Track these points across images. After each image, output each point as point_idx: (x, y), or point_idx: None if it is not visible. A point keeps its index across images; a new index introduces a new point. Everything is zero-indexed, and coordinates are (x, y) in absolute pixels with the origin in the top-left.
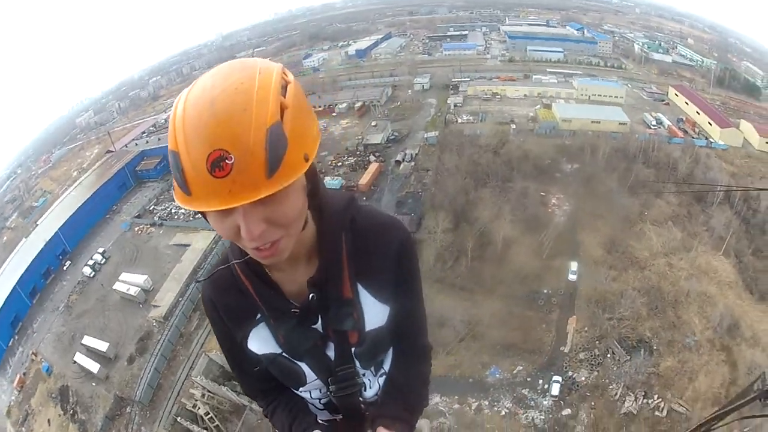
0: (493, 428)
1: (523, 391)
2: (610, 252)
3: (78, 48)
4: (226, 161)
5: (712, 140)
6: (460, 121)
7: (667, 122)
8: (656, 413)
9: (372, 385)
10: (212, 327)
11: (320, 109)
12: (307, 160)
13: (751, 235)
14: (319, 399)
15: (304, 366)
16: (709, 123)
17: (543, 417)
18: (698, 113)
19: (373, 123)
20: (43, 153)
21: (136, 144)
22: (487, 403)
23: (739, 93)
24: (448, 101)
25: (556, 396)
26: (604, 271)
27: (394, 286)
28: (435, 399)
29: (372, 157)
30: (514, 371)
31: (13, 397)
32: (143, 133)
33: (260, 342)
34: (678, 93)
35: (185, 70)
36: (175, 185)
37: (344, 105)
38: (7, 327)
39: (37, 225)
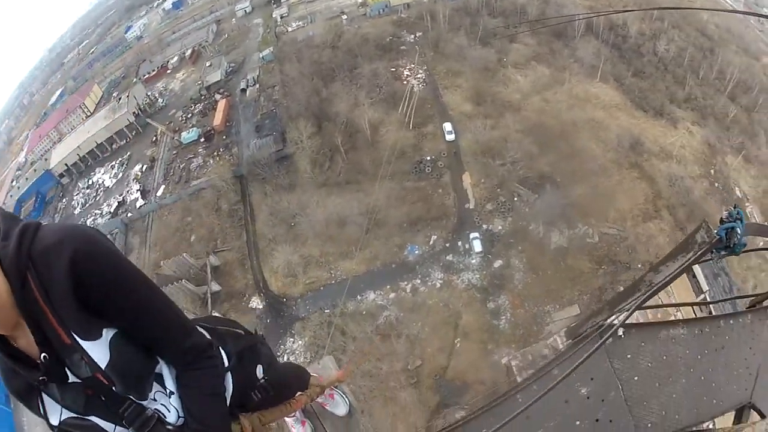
0: (437, 303)
1: (448, 257)
2: (479, 104)
3: None
4: None
5: None
6: (290, 30)
7: None
8: (587, 240)
9: (170, 408)
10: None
11: (155, 72)
12: None
13: (627, 59)
14: None
15: (96, 419)
16: None
17: (478, 276)
18: None
19: (208, 63)
20: None
21: (11, 196)
22: (419, 281)
23: None
24: (273, 15)
25: (481, 252)
26: (480, 122)
27: (97, 313)
28: (370, 296)
29: (218, 96)
30: (431, 243)
31: None
32: (12, 182)
33: (54, 412)
34: None
35: (26, 101)
36: None
37: (175, 58)
38: None
39: None
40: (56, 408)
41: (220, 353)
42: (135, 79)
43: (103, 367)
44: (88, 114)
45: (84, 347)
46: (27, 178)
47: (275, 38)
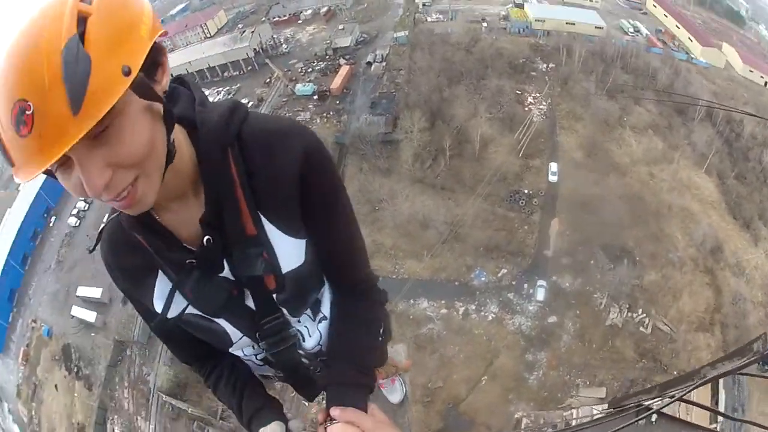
0: (481, 334)
1: (509, 295)
2: (590, 155)
3: None
4: (27, 113)
5: (692, 56)
6: (429, 20)
7: (645, 31)
8: (641, 329)
9: (312, 333)
10: (122, 292)
11: (285, 18)
12: (128, 73)
13: (734, 158)
14: (255, 355)
15: (223, 323)
16: (690, 39)
17: (529, 324)
18: (678, 27)
19: (341, 26)
20: None
21: None
22: (474, 307)
23: (721, 16)
24: (416, 0)
25: (541, 301)
26: (585, 174)
27: (306, 214)
28: (423, 304)
29: (342, 60)
30: (499, 274)
31: (21, 375)
32: None
33: (163, 299)
34: (656, 4)
35: None
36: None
37: (309, 12)
38: (5, 303)
39: (18, 191)
40: (177, 299)
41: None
42: (264, 18)
43: (284, 270)
44: (208, 36)
45: (273, 244)
46: None
47: (412, 23)
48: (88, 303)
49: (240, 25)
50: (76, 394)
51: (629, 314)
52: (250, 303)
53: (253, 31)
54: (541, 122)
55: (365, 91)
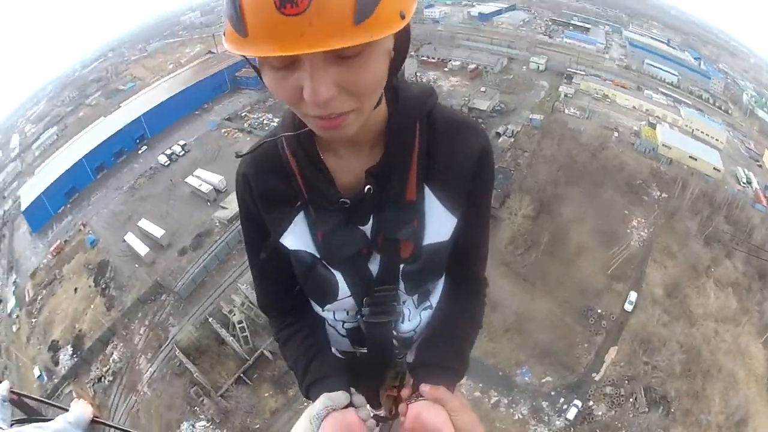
0: (502, 429)
1: (543, 403)
2: (669, 296)
3: None
4: None
5: None
6: (567, 112)
7: (756, 185)
8: None
9: (411, 318)
10: (240, 213)
11: (433, 60)
12: (403, 17)
13: None
14: (343, 323)
15: (339, 276)
16: None
17: None
18: None
19: (483, 89)
20: (140, 42)
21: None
22: (506, 401)
23: None
24: (560, 89)
25: (570, 420)
26: (659, 313)
27: (466, 197)
28: (461, 380)
29: None
30: (543, 380)
31: (44, 261)
32: None
33: (295, 237)
34: None
35: None
36: (228, 27)
37: (457, 63)
38: (61, 196)
39: (120, 107)
40: (304, 239)
41: None
42: (413, 54)
43: (425, 243)
44: None
45: (427, 216)
46: None
47: (550, 110)
48: (145, 237)
49: None
50: (92, 306)
51: None
52: (372, 267)
53: None
54: (637, 248)
55: None
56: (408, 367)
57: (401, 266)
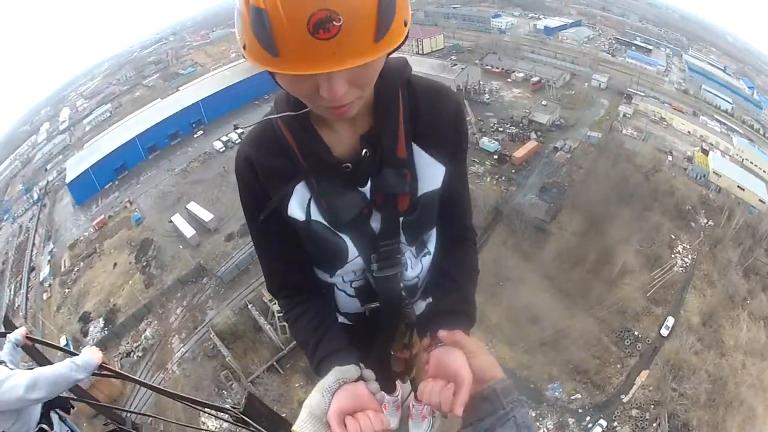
0: None
1: (569, 419)
2: (704, 324)
3: None
4: (334, 23)
5: None
6: (624, 132)
7: None
8: None
9: (414, 266)
10: (241, 194)
11: (497, 70)
12: (406, 24)
13: None
14: (351, 283)
15: (346, 238)
16: None
17: None
18: None
19: (544, 102)
20: (203, 29)
21: None
22: (533, 415)
23: None
24: (619, 108)
25: None
26: (692, 340)
27: (450, 149)
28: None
29: (533, 135)
30: (572, 397)
31: (86, 233)
32: None
33: (301, 209)
34: None
35: None
36: (252, 44)
37: (521, 75)
38: (110, 172)
39: (178, 90)
40: (312, 209)
41: None
42: (477, 62)
43: (420, 193)
44: (419, 52)
45: (418, 168)
46: None
47: (608, 128)
48: (193, 220)
49: (453, 57)
50: (130, 282)
51: None
52: (374, 225)
53: (463, 68)
54: (679, 273)
55: (542, 173)
56: (421, 319)
57: (401, 219)
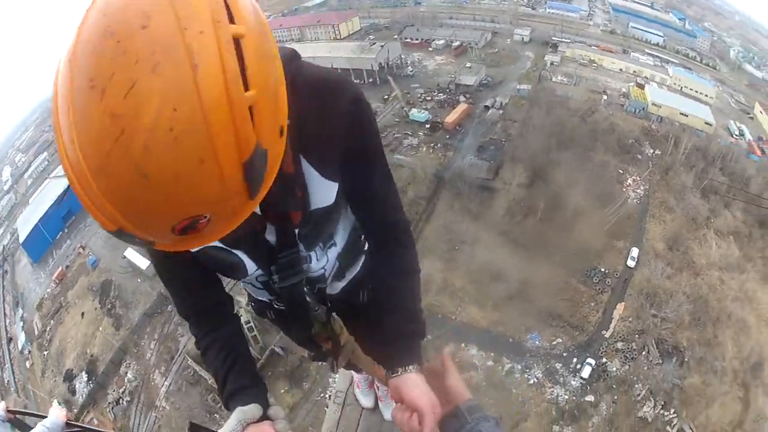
0: (518, 395)
1: (557, 365)
2: (671, 248)
3: None
4: (201, 221)
5: None
6: (554, 80)
7: (748, 136)
8: (668, 428)
9: (320, 258)
10: None
11: (417, 41)
12: (282, 132)
13: None
14: (257, 277)
15: (242, 255)
16: None
17: (566, 397)
18: None
19: (468, 64)
20: None
21: None
22: (519, 367)
23: None
24: (545, 58)
25: (585, 379)
26: (662, 266)
27: (344, 159)
28: (472, 351)
29: (462, 98)
30: (553, 342)
31: (48, 290)
32: None
33: None
34: (763, 111)
35: None
36: None
37: (441, 42)
38: (58, 221)
39: None
40: None
41: None
42: (396, 36)
43: (312, 208)
44: (338, 37)
45: (308, 183)
46: None
47: (537, 79)
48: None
49: (371, 37)
50: (101, 329)
51: (662, 411)
52: (270, 237)
53: (383, 45)
54: (634, 206)
55: (476, 133)
56: (339, 302)
57: (296, 231)
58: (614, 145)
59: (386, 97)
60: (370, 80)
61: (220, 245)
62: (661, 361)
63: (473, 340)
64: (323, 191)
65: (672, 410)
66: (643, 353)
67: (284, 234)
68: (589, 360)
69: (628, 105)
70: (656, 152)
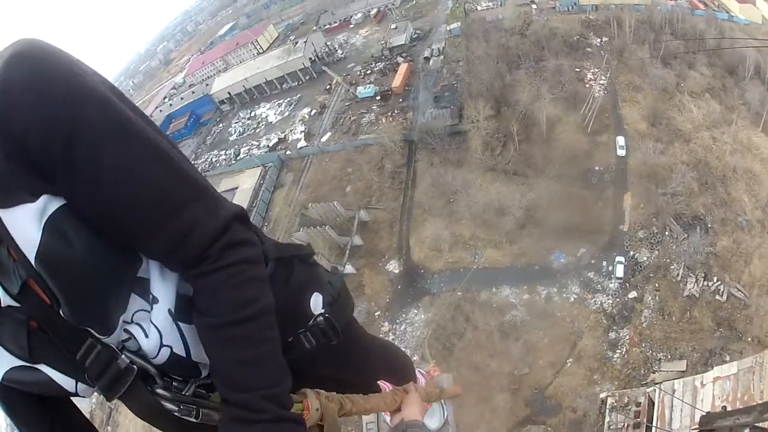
0: (564, 317)
1: (589, 274)
2: (653, 125)
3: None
4: None
5: (732, 14)
6: (479, 8)
7: None
8: (717, 297)
9: (148, 331)
10: None
11: (336, 24)
12: None
13: None
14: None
15: (45, 369)
16: None
17: (611, 301)
18: None
19: (393, 26)
20: None
21: (160, 110)
22: (555, 290)
23: None
24: None
25: (621, 278)
26: (651, 144)
27: (32, 170)
28: (505, 291)
29: (400, 59)
30: (578, 254)
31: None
32: (164, 98)
33: None
34: None
35: (190, 28)
36: None
37: (359, 15)
38: None
39: None
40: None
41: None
42: (315, 27)
43: (32, 262)
44: (260, 51)
45: (12, 233)
46: (182, 98)
47: (464, 14)
48: None
49: (292, 37)
50: None
51: (705, 283)
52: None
53: (305, 41)
54: (603, 97)
55: (427, 86)
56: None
57: (59, 312)
58: (562, 47)
59: (328, 87)
60: (307, 78)
61: (21, 363)
62: (686, 235)
63: (502, 280)
64: (21, 230)
65: (715, 278)
66: (666, 233)
67: (54, 325)
68: (618, 258)
69: (559, 6)
70: (604, 40)
